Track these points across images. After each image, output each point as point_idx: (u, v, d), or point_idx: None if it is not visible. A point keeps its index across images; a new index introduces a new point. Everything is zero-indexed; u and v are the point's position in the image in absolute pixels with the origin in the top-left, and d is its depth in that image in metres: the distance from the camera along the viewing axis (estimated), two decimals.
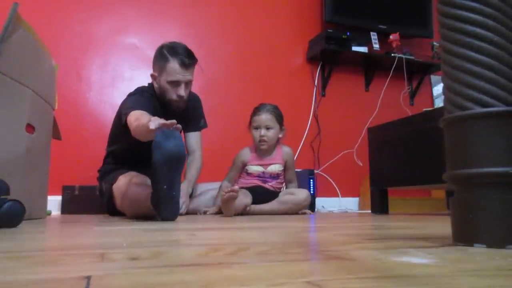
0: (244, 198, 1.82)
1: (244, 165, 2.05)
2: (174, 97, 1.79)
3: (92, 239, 0.72)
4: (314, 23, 3.13)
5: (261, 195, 1.94)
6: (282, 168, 2.04)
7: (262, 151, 2.02)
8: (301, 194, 1.96)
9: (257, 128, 1.99)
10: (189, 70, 1.77)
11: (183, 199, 1.75)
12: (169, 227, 1.03)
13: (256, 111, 2.03)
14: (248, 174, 2.05)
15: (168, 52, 1.75)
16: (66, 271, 0.38)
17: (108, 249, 0.55)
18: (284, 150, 2.07)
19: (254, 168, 2.03)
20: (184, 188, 1.80)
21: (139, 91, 1.83)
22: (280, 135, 2.05)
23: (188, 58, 1.74)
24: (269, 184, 2.02)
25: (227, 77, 2.87)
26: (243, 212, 1.82)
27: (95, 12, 2.63)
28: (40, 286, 0.31)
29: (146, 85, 1.92)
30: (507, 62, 0.57)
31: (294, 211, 1.96)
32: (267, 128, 1.98)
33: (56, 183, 2.18)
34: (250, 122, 2.04)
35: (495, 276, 0.35)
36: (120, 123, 1.80)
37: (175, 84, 1.76)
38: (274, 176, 2.03)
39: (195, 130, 2.02)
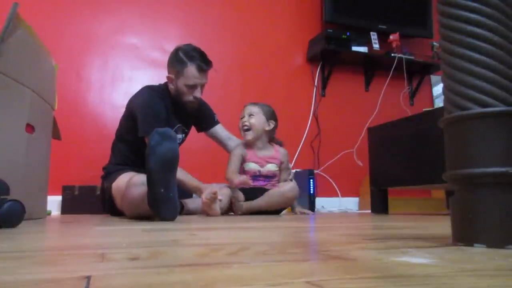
0: (231, 195, 1.86)
1: (244, 157, 2.04)
2: (190, 98, 1.87)
3: (92, 239, 0.72)
4: (314, 23, 3.13)
5: (260, 193, 1.93)
6: (278, 169, 2.04)
7: (249, 143, 2.01)
8: (286, 185, 1.95)
9: (242, 117, 2.03)
10: (206, 74, 1.87)
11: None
12: (169, 227, 1.03)
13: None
14: (245, 172, 2.04)
15: (185, 57, 1.82)
16: (66, 271, 0.38)
17: (108, 249, 0.55)
18: (281, 151, 2.07)
19: (250, 166, 2.02)
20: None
21: (149, 89, 1.88)
22: (267, 128, 2.02)
23: (205, 64, 1.84)
24: (264, 187, 2.01)
25: (227, 77, 2.87)
26: (233, 210, 1.86)
27: (95, 12, 2.63)
28: (40, 286, 0.31)
29: (157, 84, 1.96)
30: (507, 62, 0.57)
31: (282, 204, 1.94)
32: (250, 115, 2.00)
33: (56, 183, 2.18)
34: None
35: (495, 276, 0.35)
36: (128, 124, 1.83)
37: (193, 87, 1.85)
38: (270, 176, 2.02)
39: (217, 124, 2.12)
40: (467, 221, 0.57)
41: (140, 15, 2.73)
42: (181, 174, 1.74)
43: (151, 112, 1.77)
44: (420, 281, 0.32)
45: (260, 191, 1.95)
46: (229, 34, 2.92)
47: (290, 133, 2.93)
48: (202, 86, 1.89)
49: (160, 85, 1.94)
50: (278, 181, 2.06)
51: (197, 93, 1.86)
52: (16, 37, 1.27)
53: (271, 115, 2.06)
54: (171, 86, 1.88)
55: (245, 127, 2.00)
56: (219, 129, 2.12)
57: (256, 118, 2.00)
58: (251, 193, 1.92)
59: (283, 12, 3.08)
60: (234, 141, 2.09)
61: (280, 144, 2.12)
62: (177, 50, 1.85)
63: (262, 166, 2.02)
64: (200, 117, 2.08)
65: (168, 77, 1.88)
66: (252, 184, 1.98)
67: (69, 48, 2.54)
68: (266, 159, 2.02)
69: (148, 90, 1.87)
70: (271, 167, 2.02)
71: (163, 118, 1.80)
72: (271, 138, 2.08)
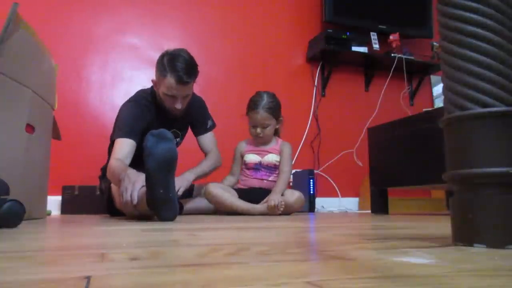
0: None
1: (243, 156, 2.06)
2: (171, 108, 1.80)
3: (92, 239, 0.72)
4: (314, 23, 3.13)
5: (260, 196, 1.90)
6: (279, 160, 2.02)
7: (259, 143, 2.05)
8: (293, 196, 1.88)
9: (254, 126, 2.00)
10: (186, 86, 1.74)
11: (179, 183, 1.75)
12: (169, 227, 1.03)
13: (252, 106, 1.99)
14: (246, 165, 2.05)
15: (168, 65, 1.70)
16: (66, 271, 0.38)
17: (108, 249, 0.55)
18: (283, 143, 2.06)
19: (250, 157, 2.03)
20: (187, 174, 1.85)
21: (137, 98, 1.85)
22: (277, 126, 2.04)
23: (186, 75, 1.70)
24: (267, 180, 2.01)
25: (227, 77, 2.87)
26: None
27: (95, 12, 2.63)
28: (40, 286, 0.31)
29: (149, 87, 1.92)
30: (507, 62, 0.57)
31: (285, 212, 1.87)
32: (264, 127, 1.98)
33: (56, 183, 2.18)
34: (247, 112, 2.02)
35: (495, 276, 0.35)
36: None
37: (171, 97, 1.76)
38: (271, 168, 2.01)
39: (205, 132, 2.04)
40: (467, 221, 0.57)
41: (140, 15, 2.73)
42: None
43: (121, 122, 1.76)
44: (420, 281, 0.32)
45: (259, 193, 1.93)
46: (229, 34, 2.92)
47: (290, 133, 2.92)
48: (184, 97, 1.78)
49: (150, 89, 1.89)
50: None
51: (177, 105, 1.76)
52: (16, 37, 1.27)
53: (279, 112, 2.03)
54: (155, 90, 1.82)
55: (260, 139, 2.00)
56: (206, 139, 2.03)
57: (269, 128, 1.98)
58: (251, 194, 1.91)
59: (283, 12, 3.08)
60: (209, 157, 2.00)
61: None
62: (163, 55, 1.75)
63: (262, 156, 2.02)
64: (193, 122, 2.01)
65: (152, 80, 1.82)
66: (252, 177, 2.00)
67: (69, 48, 2.54)
68: (267, 150, 2.02)
69: (134, 98, 1.84)
70: (271, 158, 2.01)
71: (137, 128, 1.74)
72: (276, 131, 2.08)
